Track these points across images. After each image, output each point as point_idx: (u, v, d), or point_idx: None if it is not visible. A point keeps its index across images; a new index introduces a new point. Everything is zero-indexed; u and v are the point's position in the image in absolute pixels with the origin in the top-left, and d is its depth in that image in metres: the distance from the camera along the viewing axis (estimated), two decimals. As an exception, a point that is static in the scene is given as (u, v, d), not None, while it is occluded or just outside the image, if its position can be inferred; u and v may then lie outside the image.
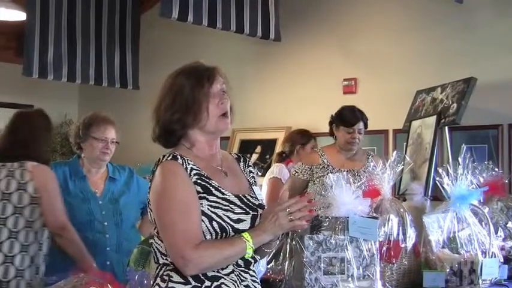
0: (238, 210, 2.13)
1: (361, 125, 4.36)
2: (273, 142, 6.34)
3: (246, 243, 2.07)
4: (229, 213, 2.11)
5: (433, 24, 5.65)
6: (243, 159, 2.37)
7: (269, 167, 5.73)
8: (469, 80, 4.78)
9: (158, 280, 2.14)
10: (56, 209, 3.37)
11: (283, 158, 5.40)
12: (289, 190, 4.52)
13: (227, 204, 2.12)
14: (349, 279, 2.49)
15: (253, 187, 2.28)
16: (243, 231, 2.10)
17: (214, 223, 2.09)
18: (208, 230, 2.08)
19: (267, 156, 6.31)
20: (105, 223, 3.59)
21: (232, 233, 2.10)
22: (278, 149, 6.04)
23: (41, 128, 3.57)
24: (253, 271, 2.22)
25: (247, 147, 6.44)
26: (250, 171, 2.35)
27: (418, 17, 5.77)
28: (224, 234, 2.10)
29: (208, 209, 2.09)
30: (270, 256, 2.42)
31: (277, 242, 2.26)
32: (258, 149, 6.49)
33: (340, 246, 2.52)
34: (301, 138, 5.39)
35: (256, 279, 2.22)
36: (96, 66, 6.14)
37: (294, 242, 2.52)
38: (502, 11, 5.37)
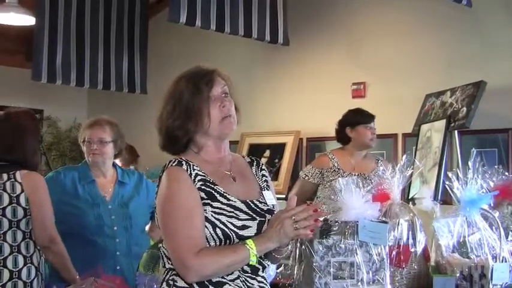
0: (243, 216, 2.12)
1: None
2: (282, 146, 6.33)
3: (250, 251, 2.05)
4: (233, 220, 2.09)
5: (443, 28, 5.63)
6: (256, 163, 2.35)
7: (278, 171, 5.72)
8: (478, 84, 4.76)
9: (164, 285, 2.15)
10: (46, 222, 3.18)
11: None
12: (298, 194, 4.50)
13: (232, 210, 2.11)
14: (359, 283, 2.48)
15: (264, 191, 2.26)
16: (248, 237, 2.09)
17: (217, 230, 2.07)
18: (212, 236, 2.07)
19: (276, 160, 6.30)
20: (115, 227, 3.59)
21: (236, 240, 2.09)
22: (287, 153, 6.05)
23: (27, 129, 3.27)
24: (262, 277, 2.19)
25: (256, 151, 6.43)
26: (263, 175, 2.32)
27: (427, 21, 5.75)
28: (228, 241, 2.08)
29: (212, 215, 2.08)
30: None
31: (289, 249, 2.24)
32: (267, 153, 6.48)
33: (350, 250, 2.50)
34: None
35: (265, 285, 2.20)
36: (104, 71, 6.15)
37: (303, 247, 2.51)
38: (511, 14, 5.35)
